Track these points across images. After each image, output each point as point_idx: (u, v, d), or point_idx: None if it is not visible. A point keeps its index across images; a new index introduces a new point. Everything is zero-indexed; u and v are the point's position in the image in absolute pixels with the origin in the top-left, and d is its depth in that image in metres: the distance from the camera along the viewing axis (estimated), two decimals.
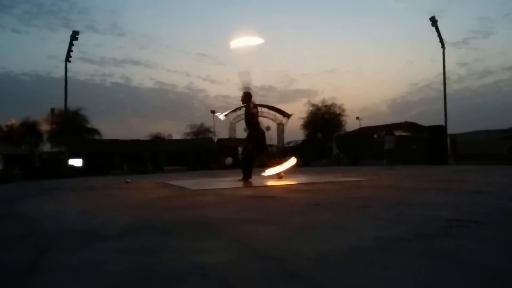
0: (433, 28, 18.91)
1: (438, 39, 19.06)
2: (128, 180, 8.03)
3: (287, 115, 27.01)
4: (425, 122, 18.58)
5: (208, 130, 35.50)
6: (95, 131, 31.21)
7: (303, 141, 27.25)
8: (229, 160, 21.42)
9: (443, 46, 19.08)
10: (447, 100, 18.89)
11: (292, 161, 6.57)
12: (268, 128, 26.80)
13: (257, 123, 6.51)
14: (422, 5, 57.63)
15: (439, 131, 14.53)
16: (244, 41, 6.26)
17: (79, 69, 67.70)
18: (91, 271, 1.41)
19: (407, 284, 1.15)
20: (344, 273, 1.26)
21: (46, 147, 30.13)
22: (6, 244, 2.04)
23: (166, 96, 60.98)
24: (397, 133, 18.39)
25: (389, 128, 15.48)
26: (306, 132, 31.11)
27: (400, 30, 68.29)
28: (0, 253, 1.83)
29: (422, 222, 2.12)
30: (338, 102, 32.07)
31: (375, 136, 20.61)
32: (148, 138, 31.75)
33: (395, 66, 65.77)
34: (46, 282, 1.31)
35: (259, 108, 6.86)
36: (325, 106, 31.52)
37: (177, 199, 3.94)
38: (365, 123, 31.02)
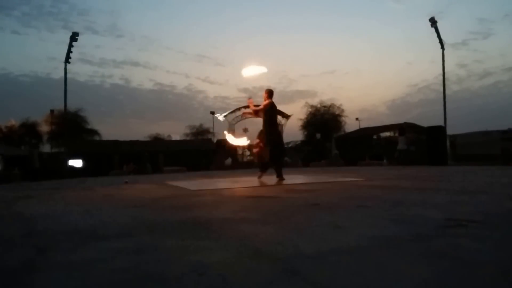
0: (432, 29, 18.94)
1: (437, 40, 19.10)
2: (127, 180, 8.04)
3: (286, 116, 26.99)
4: (425, 123, 18.59)
5: (207, 131, 35.54)
6: (94, 132, 31.26)
7: (302, 141, 27.25)
8: (228, 161, 21.42)
9: (442, 47, 19.11)
10: (446, 101, 18.95)
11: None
12: None
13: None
14: (421, 7, 57.89)
15: (438, 132, 14.52)
16: (253, 70, 7.13)
17: (79, 70, 67.93)
18: (89, 270, 1.41)
19: (406, 283, 1.15)
20: (343, 272, 1.26)
21: (46, 148, 30.14)
22: (5, 243, 2.04)
23: (166, 97, 61.11)
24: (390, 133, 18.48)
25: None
26: (305, 132, 31.15)
27: (399, 32, 68.53)
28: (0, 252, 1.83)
29: (420, 222, 2.12)
30: (337, 103, 32.16)
31: (374, 137, 20.63)
32: (148, 139, 31.76)
33: (394, 67, 65.98)
34: (44, 281, 1.31)
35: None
36: (324, 107, 31.59)
37: (175, 199, 3.93)
38: (364, 124, 31.02)
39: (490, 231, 1.85)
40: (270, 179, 6.28)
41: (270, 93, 6.37)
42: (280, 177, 6.10)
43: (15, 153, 19.83)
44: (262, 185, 5.58)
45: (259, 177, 6.53)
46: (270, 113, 6.42)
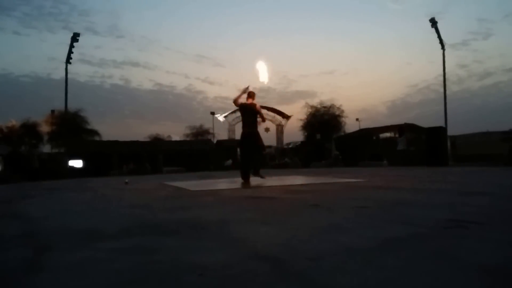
0: (432, 29, 18.96)
1: (437, 41, 19.11)
2: (127, 180, 8.03)
3: (286, 117, 27.02)
4: (425, 123, 18.58)
5: (207, 131, 35.48)
6: (94, 132, 31.15)
7: (302, 142, 27.22)
8: (228, 162, 21.42)
9: (443, 48, 19.11)
10: (446, 101, 18.95)
11: None
12: (267, 130, 26.81)
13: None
14: (420, 7, 57.94)
15: (438, 132, 14.52)
16: (262, 69, 6.93)
17: (79, 70, 67.86)
18: (88, 270, 1.41)
19: (406, 284, 1.14)
20: (342, 273, 1.26)
21: (46, 148, 30.10)
22: (4, 243, 2.04)
23: (165, 97, 61.14)
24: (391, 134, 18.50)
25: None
26: (305, 133, 31.07)
27: (398, 32, 68.46)
28: None
29: (420, 222, 2.12)
30: (337, 103, 32.05)
31: (374, 137, 20.61)
32: (147, 139, 31.69)
33: (393, 68, 66.01)
34: (44, 282, 1.31)
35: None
36: (324, 107, 31.51)
37: (175, 200, 3.93)
38: (364, 125, 30.96)
39: (491, 232, 1.84)
40: (270, 180, 6.28)
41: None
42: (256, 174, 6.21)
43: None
44: (262, 186, 5.57)
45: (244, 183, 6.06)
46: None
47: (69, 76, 18.42)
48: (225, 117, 26.60)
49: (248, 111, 6.39)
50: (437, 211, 2.55)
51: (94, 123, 31.66)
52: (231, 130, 27.27)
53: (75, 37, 17.91)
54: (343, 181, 6.01)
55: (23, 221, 2.89)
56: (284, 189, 4.83)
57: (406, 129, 15.81)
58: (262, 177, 6.15)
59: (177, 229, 2.20)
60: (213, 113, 32.16)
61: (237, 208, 3.10)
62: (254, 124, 6.47)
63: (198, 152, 21.93)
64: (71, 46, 17.93)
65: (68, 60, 18.01)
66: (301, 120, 31.60)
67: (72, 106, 25.40)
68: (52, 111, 28.81)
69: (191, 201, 3.74)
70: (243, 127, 6.46)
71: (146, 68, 63.51)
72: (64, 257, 1.62)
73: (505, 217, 2.34)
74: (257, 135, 6.47)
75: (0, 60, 55.98)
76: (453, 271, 1.24)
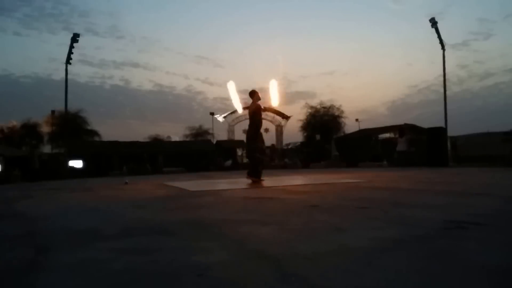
0: (432, 30, 18.88)
1: (437, 41, 19.04)
2: (127, 181, 8.03)
3: (286, 117, 26.99)
4: (425, 124, 18.55)
5: (207, 132, 35.53)
6: (94, 133, 31.24)
7: (302, 142, 27.22)
8: (228, 162, 21.43)
9: (443, 48, 19.06)
10: (447, 102, 18.91)
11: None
12: (266, 130, 26.83)
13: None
14: (420, 7, 57.97)
15: (439, 133, 14.49)
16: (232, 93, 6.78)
17: (79, 71, 68.03)
18: (89, 270, 1.41)
19: (405, 285, 1.15)
20: (342, 274, 1.26)
21: (47, 149, 30.13)
22: (5, 243, 2.04)
23: (165, 98, 61.26)
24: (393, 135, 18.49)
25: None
26: (305, 134, 31.06)
27: (399, 32, 68.58)
28: (0, 252, 1.83)
29: (421, 223, 2.12)
30: (337, 104, 32.04)
31: (374, 138, 20.58)
32: (147, 140, 31.70)
33: (393, 68, 66.03)
34: (44, 281, 1.31)
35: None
36: (324, 108, 31.50)
37: (175, 200, 3.93)
38: (364, 125, 30.93)
39: (492, 233, 1.84)
40: (270, 180, 6.28)
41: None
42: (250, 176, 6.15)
43: (16, 154, 19.83)
44: (262, 186, 5.58)
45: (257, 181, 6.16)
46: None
47: (69, 77, 18.38)
48: (224, 117, 26.58)
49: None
50: (437, 212, 2.55)
51: (94, 124, 31.80)
52: (231, 130, 27.25)
53: (75, 38, 17.87)
54: (343, 181, 6.01)
55: (23, 221, 2.89)
56: (284, 189, 4.83)
57: (406, 130, 15.76)
58: (259, 180, 6.09)
59: (177, 229, 2.20)
60: (212, 114, 32.20)
61: (237, 209, 3.10)
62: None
63: (198, 152, 21.91)
64: (71, 47, 17.89)
65: (68, 61, 17.98)
66: (300, 120, 31.63)
67: (73, 107, 25.50)
68: (53, 112, 28.88)
69: (191, 201, 3.74)
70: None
71: (146, 69, 63.68)
72: (64, 257, 1.62)
73: (506, 218, 2.34)
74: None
75: (1, 61, 56.36)
76: (453, 272, 1.24)
